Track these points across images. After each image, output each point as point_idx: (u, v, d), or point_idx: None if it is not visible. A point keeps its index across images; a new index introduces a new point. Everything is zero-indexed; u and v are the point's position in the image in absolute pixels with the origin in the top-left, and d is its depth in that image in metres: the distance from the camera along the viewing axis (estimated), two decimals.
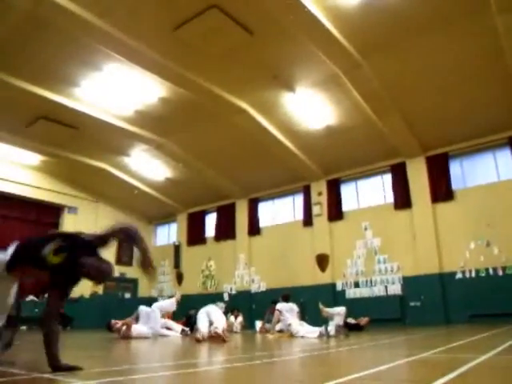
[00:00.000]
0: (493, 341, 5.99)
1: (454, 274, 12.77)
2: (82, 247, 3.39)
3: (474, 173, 13.46)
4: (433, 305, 12.75)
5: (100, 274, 3.36)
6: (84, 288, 17.96)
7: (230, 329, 8.25)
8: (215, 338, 7.32)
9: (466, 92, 11.31)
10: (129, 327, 8.73)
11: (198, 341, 7.14)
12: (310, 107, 12.32)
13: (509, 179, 12.56)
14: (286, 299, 9.67)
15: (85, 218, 19.01)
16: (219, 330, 7.40)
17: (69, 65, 11.01)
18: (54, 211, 18.82)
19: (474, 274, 12.46)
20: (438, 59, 10.37)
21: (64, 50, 10.44)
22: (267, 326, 11.17)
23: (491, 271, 12.19)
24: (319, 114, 12.59)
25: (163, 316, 10.08)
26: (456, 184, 13.56)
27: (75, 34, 9.73)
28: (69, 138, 14.48)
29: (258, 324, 12.59)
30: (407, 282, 13.53)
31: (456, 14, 9.05)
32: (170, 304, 9.96)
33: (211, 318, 7.93)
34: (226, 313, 9.90)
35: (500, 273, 12.06)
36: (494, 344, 5.03)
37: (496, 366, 3.36)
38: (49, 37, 9.87)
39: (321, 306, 9.93)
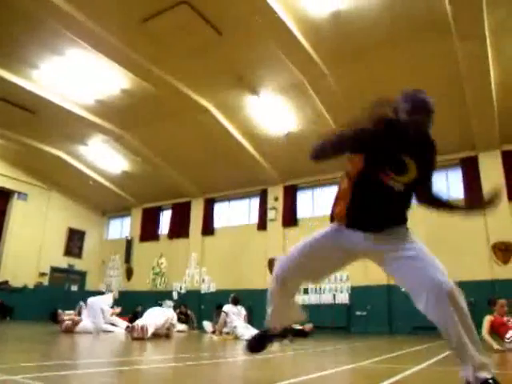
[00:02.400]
0: (430, 352, 6.19)
1: (400, 286, 13.08)
2: None
3: None
4: (378, 315, 13.05)
5: None
6: (28, 278, 17.38)
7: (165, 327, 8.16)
8: (134, 332, 7.24)
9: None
10: (75, 322, 8.50)
11: (134, 338, 7.09)
12: (273, 112, 12.40)
13: (457, 198, 13.03)
14: (235, 302, 9.66)
15: (35, 206, 18.39)
16: (139, 325, 7.31)
17: (29, 45, 10.63)
18: (1, 196, 18.00)
19: None
20: (401, 77, 10.62)
21: (25, 30, 10.06)
22: (217, 327, 11.13)
23: None
24: (281, 119, 12.69)
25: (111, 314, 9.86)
26: None
27: (38, 14, 9.42)
28: (24, 122, 13.96)
29: (207, 325, 12.52)
30: (355, 291, 13.79)
31: (420, 34, 9.33)
32: (106, 299, 9.71)
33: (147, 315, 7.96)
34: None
35: None
36: (430, 355, 5.21)
37: (426, 376, 3.48)
38: (10, 14, 9.49)
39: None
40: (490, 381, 2.13)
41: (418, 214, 11.44)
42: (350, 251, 2.77)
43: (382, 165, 2.49)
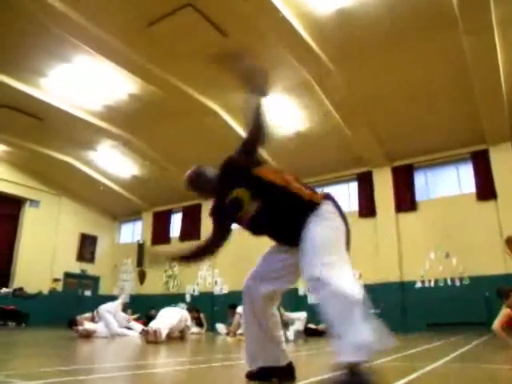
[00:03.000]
0: (445, 349, 6.13)
1: (413, 283, 13.03)
2: None
3: (437, 185, 13.80)
4: (392, 313, 12.94)
5: None
6: (42, 284, 17.52)
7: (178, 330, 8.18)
8: (148, 336, 7.27)
9: (433, 106, 11.59)
10: (89, 320, 8.60)
11: (149, 342, 7.11)
12: (281, 112, 12.38)
13: (470, 192, 12.92)
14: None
15: (47, 212, 18.54)
16: (152, 328, 7.33)
17: (36, 54, 10.72)
18: (14, 204, 18.17)
19: (432, 284, 12.75)
20: (407, 72, 10.60)
21: (32, 38, 10.13)
22: (231, 328, 11.13)
23: (449, 281, 12.50)
24: (289, 119, 12.66)
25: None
26: (419, 195, 13.87)
27: (45, 22, 9.48)
28: (33, 129, 14.08)
29: (220, 327, 12.52)
30: (368, 289, 13.56)
31: (427, 29, 9.26)
32: (115, 306, 9.76)
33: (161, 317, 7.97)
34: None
35: (457, 283, 12.38)
36: (446, 352, 5.15)
37: (443, 373, 3.44)
38: (17, 23, 9.56)
39: (282, 311, 9.95)
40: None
41: (431, 215, 11.35)
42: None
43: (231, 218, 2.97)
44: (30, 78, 11.65)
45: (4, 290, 16.39)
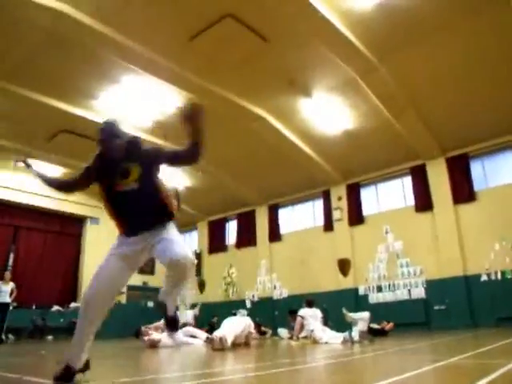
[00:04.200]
0: None
1: (478, 276, 12.53)
2: None
3: (496, 173, 13.22)
4: (458, 308, 12.53)
5: None
6: None
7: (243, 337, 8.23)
8: (214, 343, 7.34)
9: (485, 90, 11.14)
10: (158, 329, 8.82)
11: (215, 349, 7.21)
12: (327, 112, 12.29)
13: None
14: (310, 305, 9.62)
15: (106, 229, 19.11)
16: (217, 336, 7.40)
17: (87, 78, 11.20)
18: (76, 222, 19.12)
19: (499, 276, 12.21)
20: (455, 58, 10.26)
21: (82, 64, 10.61)
22: (293, 333, 11.12)
23: None
24: (336, 118, 12.54)
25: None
26: (478, 184, 13.35)
27: (93, 48, 9.90)
28: (89, 150, 14.50)
29: (282, 332, 12.51)
30: (431, 285, 13.33)
31: (474, 10, 8.91)
32: (188, 318, 9.97)
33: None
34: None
35: None
36: None
37: None
38: (67, 52, 10.04)
39: (344, 311, 9.84)
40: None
41: (492, 204, 10.93)
42: (132, 257, 3.38)
43: (109, 178, 3.37)
44: (83, 102, 12.17)
45: (73, 304, 17.13)
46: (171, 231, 3.30)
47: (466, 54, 10.10)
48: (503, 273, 12.16)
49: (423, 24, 9.28)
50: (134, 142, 3.49)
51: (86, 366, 3.27)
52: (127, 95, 11.81)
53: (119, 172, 3.30)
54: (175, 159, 3.53)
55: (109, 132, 3.47)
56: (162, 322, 9.23)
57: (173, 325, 3.46)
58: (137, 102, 12.18)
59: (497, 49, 9.96)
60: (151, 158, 3.44)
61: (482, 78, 10.79)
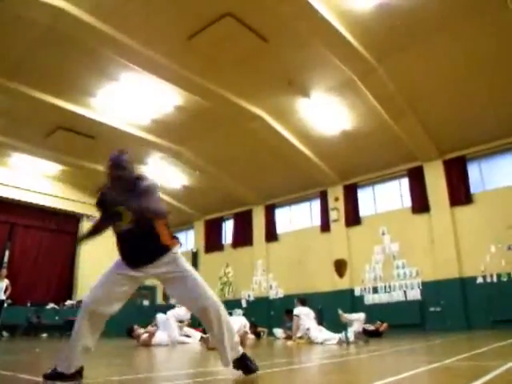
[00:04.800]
0: None
1: (474, 278, 12.56)
2: None
3: (493, 175, 13.24)
4: (453, 310, 12.55)
5: None
6: None
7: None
8: (209, 343, 7.33)
9: (483, 93, 11.16)
10: (151, 336, 8.77)
11: (209, 349, 7.20)
12: (326, 112, 12.29)
13: None
14: (303, 303, 9.63)
15: None
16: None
17: (85, 76, 11.17)
18: (73, 220, 19.07)
19: (495, 279, 12.24)
20: (453, 60, 10.27)
21: (81, 62, 10.59)
22: (289, 332, 11.11)
23: None
24: (335, 119, 12.55)
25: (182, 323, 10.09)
26: (474, 187, 13.37)
27: (92, 45, 9.87)
28: (86, 148, 14.65)
29: (278, 332, 12.51)
30: (426, 287, 13.35)
31: (474, 12, 8.92)
32: (184, 312, 9.97)
33: None
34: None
35: None
36: None
37: None
38: (67, 49, 10.02)
39: (340, 312, 9.87)
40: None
41: (488, 207, 10.98)
42: (133, 279, 3.43)
43: (106, 221, 3.49)
44: (81, 99, 12.14)
45: (69, 302, 17.12)
46: (181, 266, 3.43)
47: (465, 56, 10.10)
48: (499, 275, 12.18)
49: (422, 26, 9.29)
50: (137, 183, 3.37)
51: (78, 374, 3.17)
52: (125, 93, 11.78)
53: (114, 215, 3.33)
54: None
55: (116, 166, 3.48)
56: (154, 328, 9.20)
57: (244, 368, 3.36)
58: (135, 100, 12.15)
59: (495, 52, 9.96)
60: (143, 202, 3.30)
61: (480, 80, 10.80)
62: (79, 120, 12.84)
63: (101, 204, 3.54)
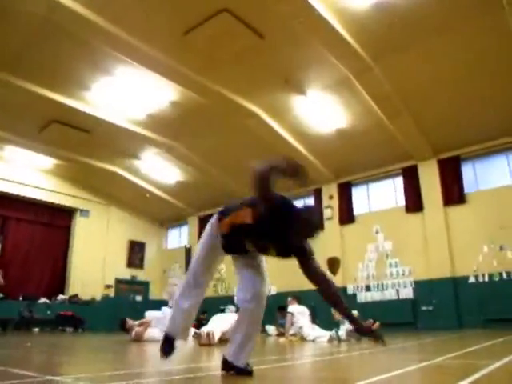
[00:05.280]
0: (508, 346, 5.90)
1: (466, 278, 12.63)
2: None
3: (486, 176, 13.31)
4: (445, 309, 12.62)
5: None
6: (95, 291, 18.09)
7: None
8: (201, 339, 7.35)
9: (478, 93, 11.20)
10: (146, 326, 8.77)
11: (202, 345, 7.20)
12: (321, 110, 12.30)
13: None
14: (298, 301, 9.64)
15: (97, 222, 19.16)
16: (204, 332, 7.41)
17: (80, 69, 11.12)
18: (66, 214, 18.99)
19: (487, 278, 12.31)
20: (450, 60, 10.30)
21: (76, 55, 10.54)
22: (282, 330, 11.12)
23: (505, 275, 12.04)
24: (330, 117, 12.56)
25: None
26: (468, 187, 13.44)
27: (87, 38, 9.83)
28: (81, 142, 14.59)
29: (270, 328, 12.52)
30: (419, 285, 13.41)
31: (468, 13, 8.94)
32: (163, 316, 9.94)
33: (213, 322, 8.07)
34: None
35: None
36: (510, 349, 4.96)
37: (509, 371, 3.30)
38: (61, 42, 9.97)
39: (333, 310, 9.85)
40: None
41: (482, 207, 10.95)
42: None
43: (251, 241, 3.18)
44: (76, 93, 12.08)
45: (60, 296, 17.08)
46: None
47: (461, 57, 10.13)
48: (491, 275, 12.26)
49: (419, 26, 9.30)
50: (284, 212, 2.95)
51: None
52: (120, 87, 11.73)
53: (261, 247, 3.30)
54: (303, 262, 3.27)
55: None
56: (147, 319, 9.18)
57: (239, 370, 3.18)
58: (130, 94, 12.11)
59: (490, 53, 10.00)
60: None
61: (475, 82, 10.84)
62: (74, 114, 12.77)
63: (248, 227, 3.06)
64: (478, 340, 7.23)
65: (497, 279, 12.14)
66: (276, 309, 12.19)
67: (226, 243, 3.24)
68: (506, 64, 10.30)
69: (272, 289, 16.68)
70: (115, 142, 14.80)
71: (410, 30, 9.45)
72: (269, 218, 2.92)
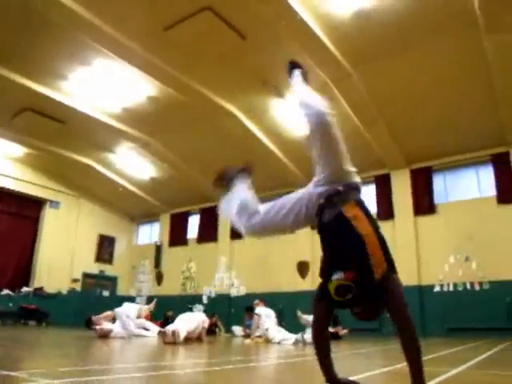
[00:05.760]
0: (466, 355, 6.04)
1: (432, 286, 12.87)
2: None
3: (456, 188, 13.61)
4: None
5: None
6: (62, 284, 17.76)
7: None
8: (166, 337, 7.30)
9: (452, 108, 11.46)
10: (109, 319, 8.67)
11: (166, 343, 7.15)
12: (298, 114, 12.33)
13: (490, 196, 12.73)
14: (264, 304, 9.67)
15: (66, 214, 18.79)
16: (169, 330, 7.37)
17: (58, 58, 10.90)
18: (35, 205, 18.52)
19: (451, 288, 12.58)
20: (426, 73, 10.50)
21: (54, 43, 10.33)
22: (248, 331, 11.13)
23: (468, 286, 12.32)
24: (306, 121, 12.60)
25: (139, 316, 9.96)
26: (438, 198, 13.71)
27: (66, 27, 9.65)
28: (54, 132, 14.29)
29: (237, 329, 12.53)
30: None
31: (445, 29, 9.17)
32: (142, 310, 9.86)
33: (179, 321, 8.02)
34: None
35: (477, 288, 12.20)
36: (467, 358, 5.08)
37: (465, 380, 3.38)
38: (40, 29, 9.75)
39: (299, 314, 9.91)
40: None
41: (450, 218, 11.16)
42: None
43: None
44: (52, 82, 11.84)
45: (25, 289, 16.68)
46: None
47: (435, 71, 10.36)
48: (455, 285, 12.53)
49: (397, 38, 9.49)
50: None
51: None
52: (98, 79, 11.57)
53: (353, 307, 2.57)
54: None
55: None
56: (111, 312, 9.07)
57: None
58: (108, 86, 11.94)
59: (464, 71, 10.28)
60: None
61: (448, 97, 11.11)
62: (49, 103, 12.51)
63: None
64: (440, 348, 7.37)
65: (461, 289, 12.41)
66: (244, 310, 12.18)
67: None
68: (479, 82, 10.57)
69: (241, 289, 16.70)
70: (90, 134, 14.56)
71: (388, 41, 9.60)
72: None
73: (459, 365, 4.05)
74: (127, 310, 9.36)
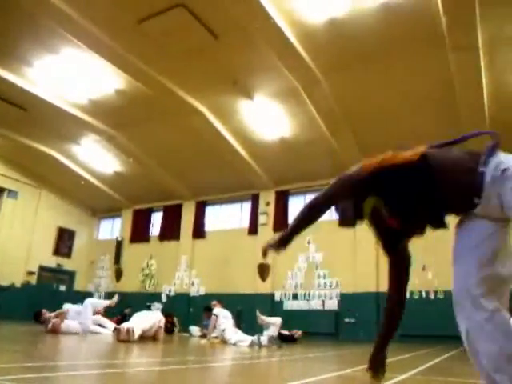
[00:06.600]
0: (416, 361, 6.19)
1: None
2: None
3: None
4: (366, 322, 13.04)
5: None
6: (16, 276, 17.22)
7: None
8: (120, 334, 7.21)
9: (418, 119, 11.69)
10: (62, 317, 8.43)
11: (120, 340, 7.05)
12: (267, 117, 12.41)
13: None
14: (221, 305, 9.66)
15: (25, 204, 18.22)
16: (124, 327, 7.29)
17: (23, 42, 10.57)
18: None
19: (408, 296, 12.80)
20: (394, 86, 10.72)
21: (23, 28, 10.01)
22: (205, 331, 11.07)
23: (424, 294, 12.66)
24: (275, 124, 12.70)
25: (97, 312, 9.77)
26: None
27: (34, 11, 9.38)
28: (16, 119, 13.86)
29: (194, 329, 12.44)
30: (344, 298, 13.80)
31: (416, 44, 9.39)
32: (103, 304, 9.69)
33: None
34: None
35: (432, 296, 12.55)
36: (416, 364, 5.21)
37: None
38: (6, 10, 9.43)
39: (258, 314, 9.94)
40: None
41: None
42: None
43: None
44: (16, 67, 11.48)
45: None
46: None
47: (402, 84, 10.57)
48: (411, 293, 12.80)
49: (366, 50, 9.70)
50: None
51: None
52: (65, 68, 11.31)
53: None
54: None
55: None
56: (65, 309, 8.85)
57: None
58: (74, 76, 11.69)
59: (430, 85, 10.51)
60: None
61: (414, 109, 11.35)
62: (12, 89, 12.11)
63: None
64: (392, 354, 7.48)
65: (416, 297, 12.72)
66: (203, 309, 12.11)
67: None
68: (443, 96, 10.83)
69: (200, 289, 16.63)
70: (54, 123, 14.20)
71: (360, 51, 9.78)
72: None
73: (407, 371, 4.15)
74: (84, 306, 9.17)
